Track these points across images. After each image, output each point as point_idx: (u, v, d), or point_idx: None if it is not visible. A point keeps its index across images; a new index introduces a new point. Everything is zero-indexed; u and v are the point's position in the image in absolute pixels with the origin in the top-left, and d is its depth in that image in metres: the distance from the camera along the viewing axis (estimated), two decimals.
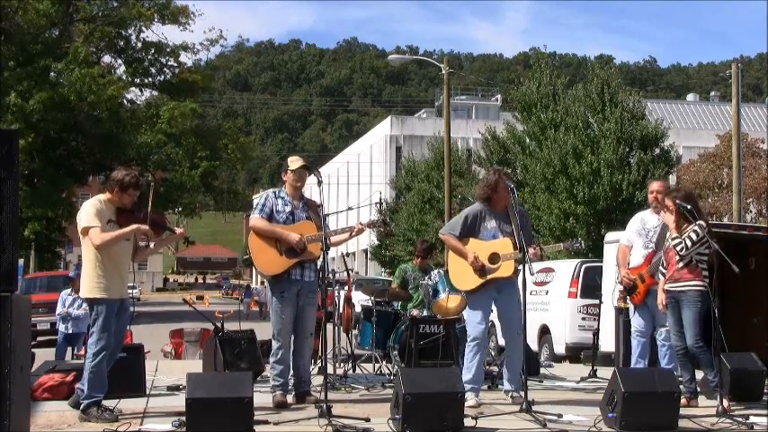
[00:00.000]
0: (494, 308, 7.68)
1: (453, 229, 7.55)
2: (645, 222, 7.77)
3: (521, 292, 7.08)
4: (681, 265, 7.24)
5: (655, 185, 7.91)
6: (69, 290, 12.80)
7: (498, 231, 7.40)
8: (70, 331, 12.71)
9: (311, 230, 7.16)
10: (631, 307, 7.85)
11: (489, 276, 7.36)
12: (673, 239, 7.22)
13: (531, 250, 7.14)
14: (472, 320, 7.52)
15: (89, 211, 6.45)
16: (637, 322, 7.71)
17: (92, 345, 6.40)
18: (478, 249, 7.38)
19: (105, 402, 6.46)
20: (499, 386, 8.00)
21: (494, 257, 7.35)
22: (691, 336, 7.11)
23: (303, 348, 7.18)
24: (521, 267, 7.20)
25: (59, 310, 12.76)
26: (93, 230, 6.40)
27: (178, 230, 7.08)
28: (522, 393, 6.73)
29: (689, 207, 7.26)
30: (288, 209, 7.23)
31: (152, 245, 6.94)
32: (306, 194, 7.56)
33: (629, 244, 7.83)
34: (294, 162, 7.35)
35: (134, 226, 6.52)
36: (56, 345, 13.19)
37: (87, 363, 6.39)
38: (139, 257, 7.02)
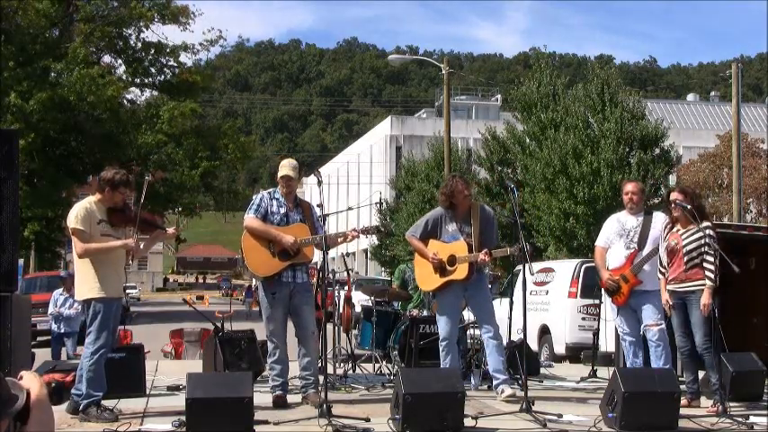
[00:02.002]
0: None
1: (416, 231, 7.85)
2: (623, 223, 7.73)
3: (489, 295, 7.22)
4: (689, 265, 7.23)
5: (630, 186, 7.84)
6: (61, 290, 12.87)
7: (459, 233, 7.63)
8: (62, 330, 12.77)
9: (305, 233, 7.14)
10: (614, 309, 7.84)
11: (448, 278, 7.57)
12: (686, 239, 7.25)
13: (480, 255, 7.38)
14: (440, 321, 7.70)
15: (77, 215, 6.46)
16: (623, 324, 7.68)
17: (90, 344, 6.39)
18: (439, 250, 7.62)
19: (105, 402, 6.47)
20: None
21: (452, 259, 7.56)
22: (700, 336, 7.10)
23: (307, 347, 7.15)
24: (485, 273, 7.44)
25: (51, 309, 12.83)
26: (76, 241, 6.43)
27: (170, 230, 7.07)
28: (518, 388, 6.77)
29: (689, 207, 7.28)
30: (282, 210, 7.21)
31: (142, 245, 6.92)
32: (306, 194, 7.58)
33: (607, 246, 7.80)
34: (282, 168, 7.28)
35: (119, 242, 6.53)
36: (51, 345, 13.25)
37: (85, 362, 6.38)
38: (135, 256, 7.00)
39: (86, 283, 6.46)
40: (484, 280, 7.84)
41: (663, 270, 7.48)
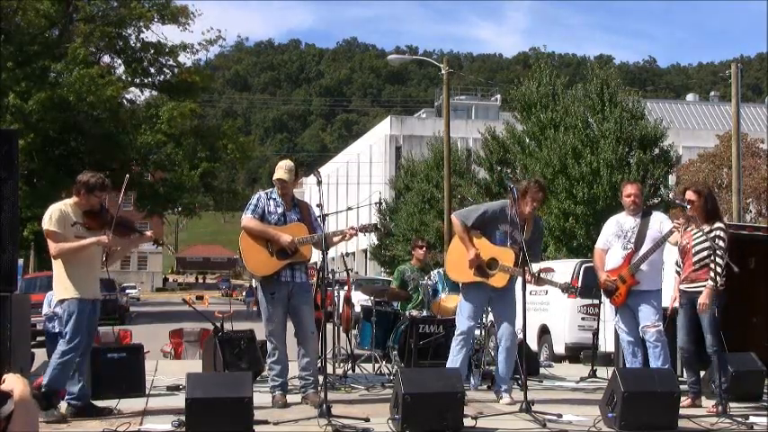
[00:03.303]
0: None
1: (468, 217, 7.52)
2: (621, 224, 7.71)
3: (516, 296, 7.10)
4: (698, 265, 7.24)
5: (631, 188, 7.78)
6: (53, 291, 12.87)
7: (508, 238, 7.40)
8: (56, 330, 12.78)
9: (302, 232, 7.14)
10: (612, 309, 7.85)
11: (482, 279, 7.39)
12: (696, 239, 7.26)
13: (527, 277, 7.10)
14: (462, 314, 7.53)
15: (51, 216, 6.45)
16: (622, 324, 7.68)
17: (63, 343, 6.38)
18: (482, 249, 7.38)
19: (106, 402, 6.52)
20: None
21: (492, 263, 7.36)
22: (710, 337, 7.08)
23: (306, 347, 7.15)
24: (515, 280, 7.30)
25: (45, 310, 12.85)
26: (50, 242, 6.43)
27: (148, 233, 7.04)
28: (515, 388, 6.74)
29: (688, 207, 7.28)
30: (280, 210, 7.20)
31: (119, 247, 6.87)
32: (306, 194, 7.56)
33: (606, 247, 7.77)
34: (277, 171, 7.25)
35: (92, 239, 6.49)
36: (46, 345, 13.25)
37: (55, 358, 6.36)
38: (111, 262, 6.94)
39: (61, 284, 6.46)
40: (513, 285, 7.60)
41: (678, 269, 7.50)
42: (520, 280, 7.14)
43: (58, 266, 6.50)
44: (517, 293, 7.77)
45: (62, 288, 6.47)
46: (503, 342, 7.50)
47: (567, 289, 7.39)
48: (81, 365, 6.57)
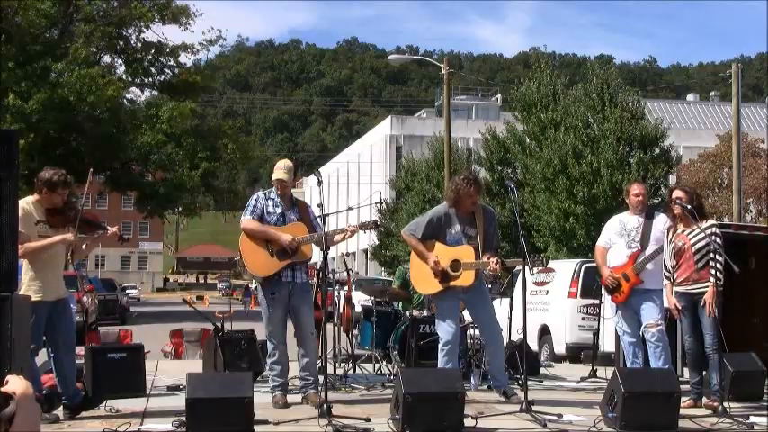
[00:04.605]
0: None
1: (416, 230, 7.50)
2: (624, 223, 7.72)
3: (488, 292, 7.11)
4: (701, 264, 7.22)
5: (638, 188, 7.81)
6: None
7: (462, 236, 7.38)
8: None
9: (302, 232, 7.13)
10: (614, 307, 7.85)
11: (450, 284, 7.35)
12: (694, 238, 7.25)
13: (492, 265, 7.13)
14: (442, 325, 7.44)
15: None
16: (623, 325, 7.67)
17: None
18: (441, 254, 7.34)
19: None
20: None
21: (455, 264, 7.31)
22: (711, 336, 7.08)
23: (306, 348, 7.15)
24: (483, 275, 7.35)
25: None
26: None
27: (112, 230, 6.98)
28: (516, 388, 6.75)
29: (689, 207, 7.27)
30: (279, 210, 7.20)
31: (84, 245, 6.78)
32: (306, 194, 7.56)
33: (607, 246, 7.78)
34: (276, 171, 7.25)
35: (58, 237, 6.38)
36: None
37: None
38: (76, 258, 6.86)
39: (23, 285, 6.29)
40: (483, 282, 7.66)
41: (668, 274, 7.44)
42: (520, 282, 7.14)
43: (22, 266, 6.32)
44: (517, 294, 7.78)
45: (23, 290, 6.24)
46: (489, 343, 7.52)
47: (534, 263, 7.28)
48: (67, 366, 6.50)
